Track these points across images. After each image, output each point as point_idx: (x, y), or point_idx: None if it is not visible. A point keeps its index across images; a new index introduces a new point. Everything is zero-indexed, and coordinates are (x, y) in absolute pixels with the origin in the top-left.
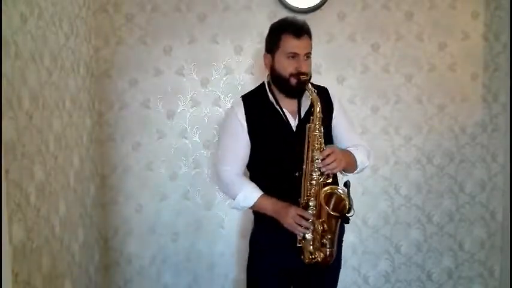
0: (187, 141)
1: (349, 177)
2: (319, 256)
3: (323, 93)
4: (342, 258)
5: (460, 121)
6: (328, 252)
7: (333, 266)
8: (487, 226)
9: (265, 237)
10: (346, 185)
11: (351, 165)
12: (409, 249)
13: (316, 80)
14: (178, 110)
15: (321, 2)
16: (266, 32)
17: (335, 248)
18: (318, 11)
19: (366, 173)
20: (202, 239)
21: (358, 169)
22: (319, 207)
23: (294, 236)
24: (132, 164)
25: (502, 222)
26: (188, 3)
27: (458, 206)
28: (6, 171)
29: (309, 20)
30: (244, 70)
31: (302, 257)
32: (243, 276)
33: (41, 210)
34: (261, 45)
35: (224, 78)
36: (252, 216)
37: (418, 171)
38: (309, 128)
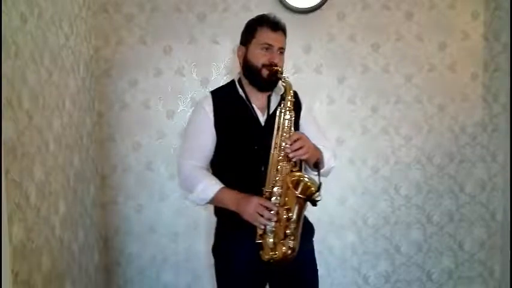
0: None
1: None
2: (280, 251)
3: (294, 95)
4: (342, 258)
5: (460, 121)
6: (290, 245)
7: (309, 267)
8: (487, 226)
9: (231, 245)
10: (316, 164)
11: (318, 157)
12: (409, 249)
13: (316, 79)
14: (178, 110)
15: (321, 2)
16: None
17: (298, 241)
18: (318, 11)
19: (366, 173)
20: (202, 239)
21: (325, 167)
22: (284, 193)
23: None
24: (132, 164)
25: (502, 222)
26: (188, 3)
27: (458, 206)
28: (6, 171)
29: (309, 20)
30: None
31: (261, 253)
32: None
33: (41, 210)
34: None
35: (224, 78)
36: None
37: (418, 171)
38: (280, 112)
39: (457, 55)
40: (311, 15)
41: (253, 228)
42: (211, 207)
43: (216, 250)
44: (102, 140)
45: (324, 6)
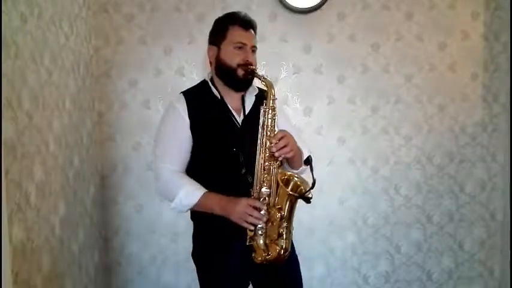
0: None
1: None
2: (274, 251)
3: (264, 97)
4: (342, 258)
5: (460, 121)
6: (283, 244)
7: (290, 266)
8: (487, 226)
9: (212, 249)
10: (308, 160)
11: (299, 156)
12: (409, 249)
13: (316, 79)
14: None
15: (321, 2)
16: (266, 32)
17: (290, 240)
18: (318, 11)
19: (366, 173)
20: None
21: (302, 167)
22: (274, 192)
23: (242, 238)
24: (132, 164)
25: (502, 222)
26: (188, 3)
27: (458, 206)
28: (6, 171)
29: (309, 20)
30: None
31: (254, 255)
32: None
33: (41, 210)
34: (261, 45)
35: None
36: None
37: (418, 171)
38: (264, 111)
39: (457, 55)
40: (311, 15)
41: (236, 231)
42: None
43: (196, 256)
44: (102, 140)
45: (324, 6)
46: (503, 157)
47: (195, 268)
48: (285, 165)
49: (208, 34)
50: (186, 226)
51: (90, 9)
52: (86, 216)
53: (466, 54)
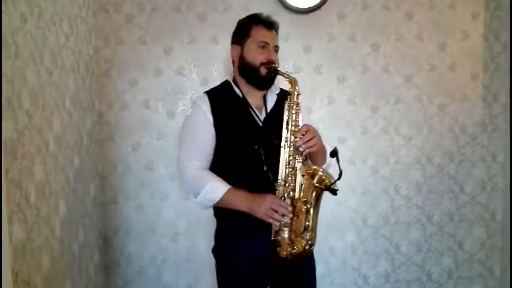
0: None
1: None
2: (299, 245)
3: (286, 94)
4: (342, 258)
5: (460, 121)
6: (308, 237)
7: (308, 266)
8: (487, 226)
9: (232, 246)
10: (334, 152)
11: (323, 151)
12: (409, 249)
13: (316, 79)
14: (178, 110)
15: (321, 2)
16: None
17: (315, 232)
18: (318, 11)
19: (366, 173)
20: (202, 239)
21: (326, 163)
22: (299, 185)
23: (264, 236)
24: (132, 164)
25: (502, 222)
26: (188, 3)
27: (458, 206)
28: (6, 171)
29: (309, 20)
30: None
31: (278, 249)
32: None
33: (41, 210)
34: None
35: (224, 78)
36: None
37: (418, 171)
38: (289, 106)
39: (457, 55)
40: (311, 15)
41: (258, 228)
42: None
43: (217, 251)
44: (102, 140)
45: (324, 6)
46: (503, 157)
47: (215, 264)
48: (309, 162)
49: (207, 34)
50: (186, 226)
51: (90, 9)
52: (86, 216)
53: (466, 54)
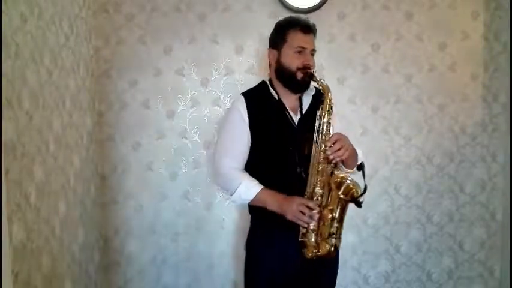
0: (187, 141)
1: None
2: (324, 248)
3: (321, 96)
4: (342, 258)
5: (460, 121)
6: (333, 242)
7: (332, 269)
8: (487, 226)
9: (263, 242)
10: (361, 166)
11: (354, 156)
12: (409, 249)
13: None
14: (178, 110)
15: (321, 2)
16: (266, 32)
17: (341, 238)
18: (318, 11)
19: (366, 173)
20: (202, 239)
21: (356, 164)
22: (326, 194)
23: (293, 236)
24: (132, 164)
25: (502, 222)
26: (188, 3)
27: (458, 206)
28: (6, 171)
29: (309, 20)
30: (245, 70)
31: (304, 250)
32: (243, 276)
33: (41, 210)
34: (261, 45)
35: (224, 78)
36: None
37: (418, 171)
38: (320, 115)
39: (457, 55)
40: (311, 15)
41: (289, 229)
42: (212, 208)
43: (250, 247)
44: (102, 140)
45: (324, 6)
46: (503, 157)
47: (245, 256)
48: (340, 164)
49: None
50: (186, 226)
51: (90, 9)
52: (86, 216)
53: (466, 54)
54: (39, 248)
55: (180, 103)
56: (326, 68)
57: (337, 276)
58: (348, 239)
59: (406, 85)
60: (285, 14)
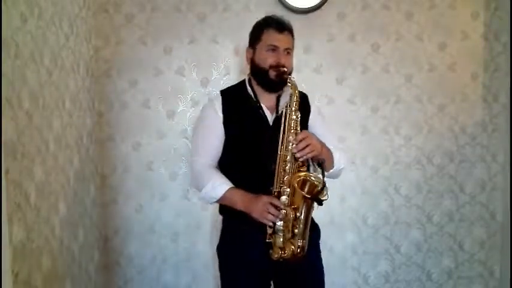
0: (187, 141)
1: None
2: (289, 250)
3: (302, 98)
4: (342, 258)
5: (460, 121)
6: (299, 244)
7: (314, 267)
8: (487, 226)
9: (233, 244)
10: (320, 163)
11: (327, 157)
12: (409, 249)
13: (316, 79)
14: (178, 110)
15: (321, 2)
16: None
17: (306, 240)
18: (318, 11)
19: (366, 173)
20: (202, 239)
21: (335, 167)
22: (291, 193)
23: (265, 235)
24: (132, 164)
25: (502, 222)
26: (188, 3)
27: (458, 206)
28: (6, 171)
29: (309, 20)
30: (244, 70)
31: (270, 252)
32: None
33: (41, 210)
34: None
35: (224, 78)
36: None
37: (418, 171)
38: (286, 113)
39: (457, 55)
40: (311, 15)
41: (260, 227)
42: (211, 207)
43: (221, 249)
44: (102, 140)
45: (324, 6)
46: (503, 157)
47: (218, 262)
48: (315, 166)
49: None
50: (186, 226)
51: (90, 9)
52: (86, 216)
53: (466, 54)
54: (39, 248)
55: (180, 103)
56: (326, 68)
57: (338, 276)
58: (348, 239)
59: (406, 85)
60: (284, 14)
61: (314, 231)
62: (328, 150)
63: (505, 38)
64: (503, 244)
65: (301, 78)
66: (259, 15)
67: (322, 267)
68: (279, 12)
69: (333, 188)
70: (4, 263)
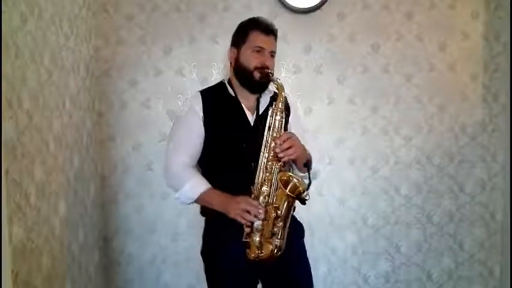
0: None
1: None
2: (267, 249)
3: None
4: (342, 258)
5: (460, 121)
6: (277, 243)
7: (301, 269)
8: (487, 226)
9: (216, 246)
10: (306, 164)
11: (305, 158)
12: (409, 249)
13: (316, 79)
14: (178, 110)
15: (321, 2)
16: None
17: (284, 240)
18: (318, 11)
19: (366, 173)
20: None
21: (311, 168)
22: (273, 192)
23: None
24: (132, 164)
25: (502, 222)
26: (188, 3)
27: (458, 206)
28: (6, 171)
29: (309, 20)
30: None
31: (247, 251)
32: None
33: (41, 210)
34: None
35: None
36: None
37: (418, 171)
38: (273, 112)
39: (457, 55)
40: (311, 15)
41: (241, 227)
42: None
43: (205, 252)
44: (102, 140)
45: (324, 6)
46: (503, 157)
47: (203, 266)
48: (294, 167)
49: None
50: (186, 226)
51: (90, 9)
52: (86, 216)
53: (466, 54)
54: (39, 248)
55: (180, 103)
56: (326, 68)
57: (338, 276)
58: (348, 239)
59: (406, 85)
60: (284, 14)
61: (296, 229)
62: (307, 152)
63: (505, 38)
64: (503, 244)
65: (301, 78)
66: (260, 15)
67: (308, 262)
68: (279, 12)
69: (333, 188)
70: (4, 263)
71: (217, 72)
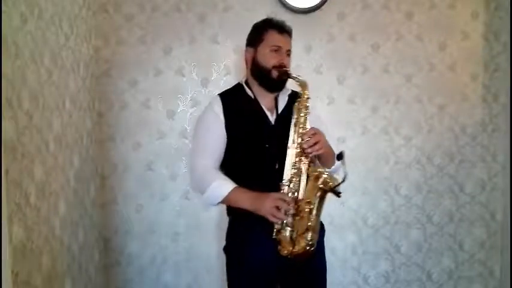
0: (187, 141)
1: None
2: (300, 245)
3: (296, 96)
4: (342, 258)
5: (460, 121)
6: (308, 238)
7: (318, 267)
8: (487, 226)
9: (241, 244)
10: (340, 154)
11: (330, 154)
12: (409, 249)
13: (316, 79)
14: (178, 110)
15: (321, 2)
16: None
17: (317, 234)
18: (318, 11)
19: (366, 173)
20: (202, 239)
21: (334, 165)
22: (303, 186)
23: (271, 234)
24: (132, 164)
25: (502, 222)
26: (188, 3)
27: (458, 206)
28: (6, 171)
29: (309, 20)
30: (244, 70)
31: (279, 248)
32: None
33: (41, 210)
34: None
35: (224, 78)
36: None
37: (418, 171)
38: (298, 109)
39: (457, 55)
40: (311, 15)
41: (267, 226)
42: (211, 207)
43: (229, 249)
44: (102, 140)
45: (324, 6)
46: (503, 157)
47: (225, 261)
48: (317, 164)
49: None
50: (186, 226)
51: (90, 9)
52: (86, 216)
53: (466, 54)
54: (39, 248)
55: (180, 103)
56: (326, 68)
57: (338, 276)
58: (348, 239)
59: (406, 85)
60: (284, 14)
61: (321, 229)
62: (332, 149)
63: (505, 38)
64: (503, 244)
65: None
66: (260, 15)
67: (325, 267)
68: (279, 12)
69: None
70: (4, 263)
71: (217, 72)
